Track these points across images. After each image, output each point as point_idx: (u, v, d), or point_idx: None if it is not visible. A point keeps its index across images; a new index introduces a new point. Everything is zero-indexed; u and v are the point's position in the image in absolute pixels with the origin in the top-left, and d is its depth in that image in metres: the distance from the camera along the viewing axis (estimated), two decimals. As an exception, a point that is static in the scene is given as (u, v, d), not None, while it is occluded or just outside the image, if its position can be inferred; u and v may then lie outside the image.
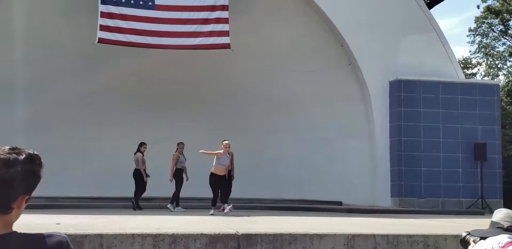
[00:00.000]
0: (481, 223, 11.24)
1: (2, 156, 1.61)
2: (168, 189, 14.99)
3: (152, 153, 15.60)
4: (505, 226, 3.03)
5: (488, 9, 32.44)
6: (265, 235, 7.32)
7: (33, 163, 1.64)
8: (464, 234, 3.12)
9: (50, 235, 1.66)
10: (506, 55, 34.56)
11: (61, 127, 18.82)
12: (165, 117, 19.23)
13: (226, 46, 16.54)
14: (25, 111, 18.56)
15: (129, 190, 16.72)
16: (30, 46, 18.24)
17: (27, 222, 6.86)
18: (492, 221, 3.10)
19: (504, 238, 2.83)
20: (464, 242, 3.07)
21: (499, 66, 35.22)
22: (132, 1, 16.28)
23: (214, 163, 13.09)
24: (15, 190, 1.60)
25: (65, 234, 1.70)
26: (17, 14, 18.13)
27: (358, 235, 7.55)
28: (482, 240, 2.94)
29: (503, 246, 2.77)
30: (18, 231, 1.66)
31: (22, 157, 1.62)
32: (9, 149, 1.64)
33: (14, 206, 1.61)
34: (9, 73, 18.24)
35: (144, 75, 19.12)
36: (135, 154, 14.83)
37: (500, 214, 3.13)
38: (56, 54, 18.44)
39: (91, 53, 17.94)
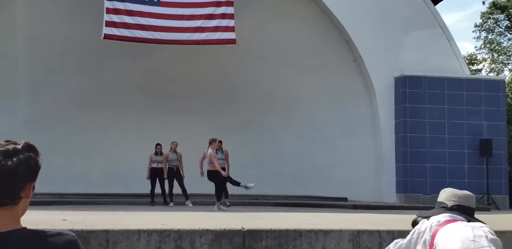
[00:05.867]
0: (486, 219, 11.23)
1: (1, 148, 1.64)
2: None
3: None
4: (449, 206, 3.12)
5: (494, 4, 32.26)
6: (270, 231, 7.32)
7: (32, 151, 1.68)
8: (415, 216, 3.22)
9: (59, 233, 1.67)
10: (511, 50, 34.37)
11: (65, 124, 18.81)
12: (167, 115, 19.21)
13: (232, 41, 16.47)
14: (28, 109, 18.58)
15: (133, 187, 16.79)
16: (34, 43, 18.25)
17: (33, 219, 6.87)
18: (437, 201, 3.19)
19: (443, 216, 2.97)
20: (415, 224, 3.17)
21: (504, 62, 35.02)
22: (137, -3, 16.29)
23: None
24: (21, 178, 1.63)
25: (73, 231, 1.71)
26: (20, 11, 18.13)
27: (363, 231, 7.55)
28: (425, 219, 3.06)
29: (440, 224, 2.91)
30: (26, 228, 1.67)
31: (20, 146, 1.67)
32: (5, 141, 1.69)
33: (23, 194, 1.63)
34: (13, 70, 18.25)
35: (147, 73, 19.10)
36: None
37: (445, 194, 3.21)
38: (59, 51, 18.45)
39: (95, 51, 17.94)
